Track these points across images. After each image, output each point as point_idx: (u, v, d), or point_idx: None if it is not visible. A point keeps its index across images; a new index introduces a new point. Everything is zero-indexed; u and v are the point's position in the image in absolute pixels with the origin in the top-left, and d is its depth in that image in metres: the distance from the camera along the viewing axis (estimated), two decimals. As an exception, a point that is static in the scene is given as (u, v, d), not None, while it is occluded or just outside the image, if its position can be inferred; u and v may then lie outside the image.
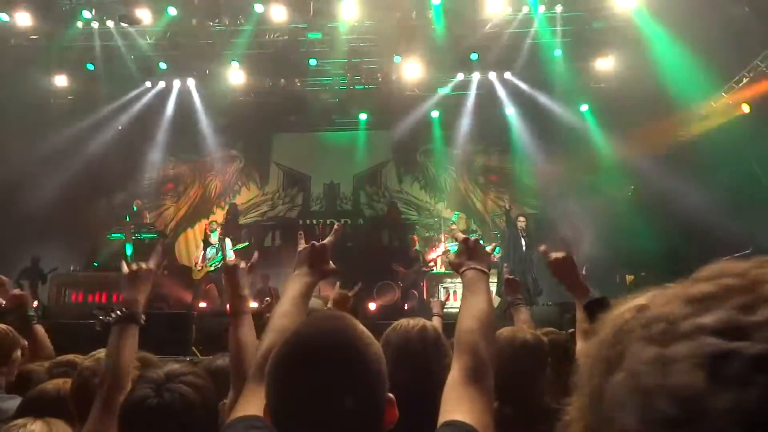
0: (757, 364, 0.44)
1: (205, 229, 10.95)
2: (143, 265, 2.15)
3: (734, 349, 0.45)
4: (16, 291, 3.56)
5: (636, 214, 11.44)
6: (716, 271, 0.53)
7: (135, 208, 12.10)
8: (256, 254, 2.43)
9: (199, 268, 10.51)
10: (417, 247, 12.06)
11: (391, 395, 1.12)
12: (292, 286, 1.75)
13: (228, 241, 10.50)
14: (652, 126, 11.23)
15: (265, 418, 1.10)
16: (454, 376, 1.35)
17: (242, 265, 2.12)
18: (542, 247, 2.53)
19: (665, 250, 10.99)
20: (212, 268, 10.28)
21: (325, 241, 1.89)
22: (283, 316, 1.62)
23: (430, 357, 1.92)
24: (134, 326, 2.02)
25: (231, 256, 9.42)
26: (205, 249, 10.60)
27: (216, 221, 11.21)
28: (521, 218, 10.26)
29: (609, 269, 11.67)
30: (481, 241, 1.72)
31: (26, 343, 3.14)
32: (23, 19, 10.94)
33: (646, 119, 11.19)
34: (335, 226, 1.97)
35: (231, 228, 12.52)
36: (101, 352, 2.28)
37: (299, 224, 14.70)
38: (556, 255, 2.44)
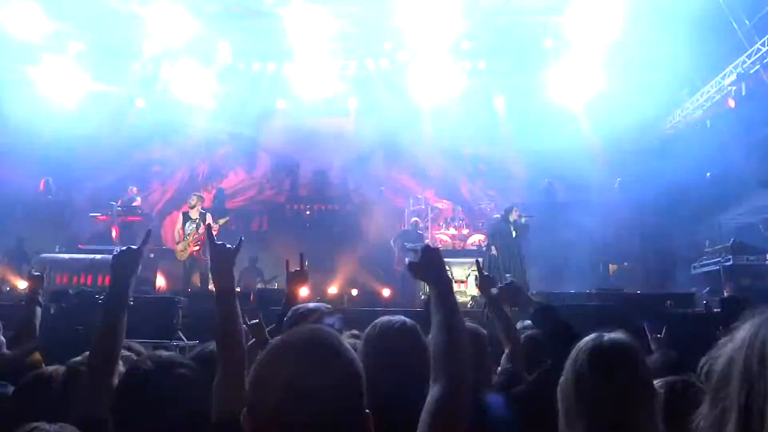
0: None
1: (186, 205, 10.77)
2: (132, 246, 2.13)
3: None
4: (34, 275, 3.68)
5: (621, 206, 11.58)
6: None
7: (128, 194, 12.02)
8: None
9: (179, 240, 10.37)
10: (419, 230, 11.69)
11: (368, 411, 1.14)
12: None
13: (209, 216, 10.36)
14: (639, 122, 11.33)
15: (245, 421, 1.12)
16: (432, 398, 1.37)
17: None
18: (493, 290, 2.65)
19: (649, 241, 11.17)
20: (196, 247, 10.18)
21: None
22: None
23: (409, 354, 1.94)
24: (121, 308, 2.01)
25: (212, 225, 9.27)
26: (184, 223, 10.47)
27: (197, 195, 11.00)
28: (515, 210, 10.24)
29: (593, 258, 11.83)
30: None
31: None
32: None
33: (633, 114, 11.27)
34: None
35: (218, 212, 12.47)
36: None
37: (287, 209, 14.68)
38: (500, 289, 2.57)
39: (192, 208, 10.39)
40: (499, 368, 2.71)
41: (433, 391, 1.38)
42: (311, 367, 1.09)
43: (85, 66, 12.59)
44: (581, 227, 11.40)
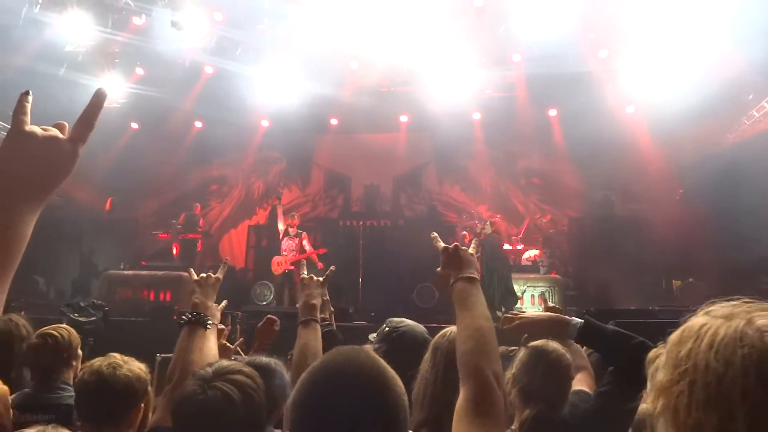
0: None
1: (285, 221, 11.17)
2: (212, 275, 2.33)
3: None
4: None
5: (684, 219, 11.13)
6: None
7: (193, 210, 12.52)
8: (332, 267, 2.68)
9: (278, 262, 10.72)
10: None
11: None
12: None
13: (305, 235, 10.76)
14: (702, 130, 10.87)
15: None
16: (462, 403, 1.31)
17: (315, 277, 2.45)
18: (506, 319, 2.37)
19: (715, 256, 10.66)
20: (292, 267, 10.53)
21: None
22: None
23: None
24: (201, 329, 2.16)
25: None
26: (282, 239, 10.97)
27: (296, 214, 11.44)
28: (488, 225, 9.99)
29: (656, 274, 11.39)
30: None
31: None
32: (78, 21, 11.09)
33: (695, 122, 10.83)
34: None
35: (274, 229, 12.75)
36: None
37: (340, 225, 14.82)
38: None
39: (290, 226, 10.79)
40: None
41: (462, 394, 1.34)
42: (349, 392, 1.05)
43: (148, 88, 13.08)
44: (641, 241, 10.99)
